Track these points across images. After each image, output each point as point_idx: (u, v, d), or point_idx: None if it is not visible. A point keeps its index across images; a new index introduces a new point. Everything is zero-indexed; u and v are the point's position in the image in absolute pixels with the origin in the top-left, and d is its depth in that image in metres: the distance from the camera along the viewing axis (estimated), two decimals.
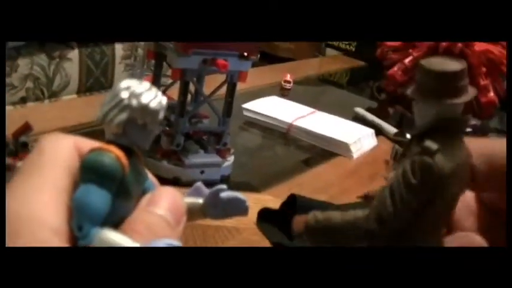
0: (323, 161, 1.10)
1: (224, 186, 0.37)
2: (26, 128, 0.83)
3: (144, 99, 0.31)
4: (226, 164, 0.92)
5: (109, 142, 0.32)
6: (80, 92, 1.48)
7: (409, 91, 0.46)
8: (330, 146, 1.13)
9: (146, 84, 0.32)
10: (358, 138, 1.15)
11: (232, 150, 0.94)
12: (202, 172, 0.89)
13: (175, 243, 0.30)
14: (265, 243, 0.78)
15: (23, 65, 1.36)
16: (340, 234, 0.47)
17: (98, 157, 0.31)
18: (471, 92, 0.45)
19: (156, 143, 0.88)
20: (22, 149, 0.82)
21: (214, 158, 0.90)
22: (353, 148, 1.12)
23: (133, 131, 0.32)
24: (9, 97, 1.32)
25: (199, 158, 0.89)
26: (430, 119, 0.44)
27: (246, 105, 1.21)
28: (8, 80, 1.31)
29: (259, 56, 0.90)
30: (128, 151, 0.32)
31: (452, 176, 0.44)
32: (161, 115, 0.32)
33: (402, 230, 0.45)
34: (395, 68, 1.41)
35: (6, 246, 0.28)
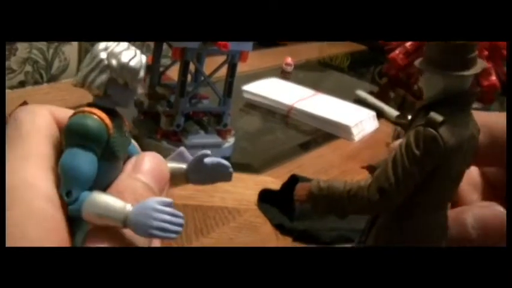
0: (324, 143, 1.09)
1: (208, 152, 0.36)
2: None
3: (124, 58, 0.31)
4: (227, 144, 0.92)
5: (90, 105, 0.31)
6: None
7: (417, 62, 0.45)
8: (331, 128, 1.13)
9: (124, 43, 0.32)
10: (360, 120, 1.15)
11: (233, 132, 0.94)
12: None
13: (164, 199, 0.29)
14: (267, 225, 0.78)
15: (22, 48, 1.35)
16: (342, 203, 0.46)
17: (82, 120, 0.30)
18: (480, 65, 0.44)
19: (156, 123, 0.87)
20: None
21: (215, 139, 0.90)
22: (354, 131, 1.11)
23: (114, 91, 0.31)
24: (7, 81, 1.31)
25: (200, 138, 0.88)
26: (437, 91, 0.44)
27: (246, 87, 1.20)
28: (6, 64, 1.31)
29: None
30: (111, 112, 0.31)
31: (458, 150, 0.43)
32: (141, 73, 0.32)
33: (406, 204, 0.45)
34: (397, 52, 1.40)
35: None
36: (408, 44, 1.38)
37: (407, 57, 1.39)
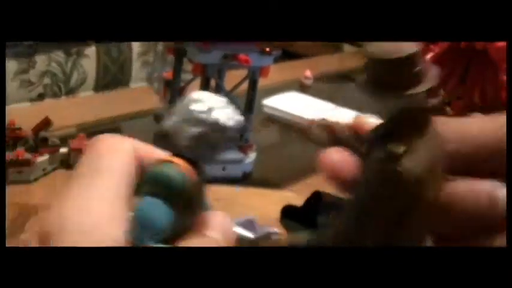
0: None
1: (277, 231, 0.35)
2: (45, 123, 0.82)
3: (220, 116, 0.29)
4: (248, 160, 0.91)
5: (176, 154, 0.30)
6: (97, 88, 1.48)
7: (357, 83, 0.40)
8: None
9: (221, 98, 0.30)
10: None
11: (254, 147, 0.93)
12: (224, 168, 0.87)
13: None
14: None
15: (41, 61, 1.35)
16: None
17: (165, 170, 0.29)
18: (432, 74, 0.38)
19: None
20: (42, 144, 0.81)
21: (236, 155, 0.89)
22: None
23: (202, 146, 0.30)
24: (26, 93, 1.32)
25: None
26: (390, 115, 0.39)
27: (266, 102, 1.20)
28: (25, 77, 1.32)
29: (281, 51, 0.89)
30: (194, 165, 0.30)
31: (426, 176, 0.39)
32: (235, 134, 0.30)
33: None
34: None
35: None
36: (428, 56, 1.37)
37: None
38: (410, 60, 0.37)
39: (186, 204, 0.29)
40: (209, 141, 0.29)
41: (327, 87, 1.52)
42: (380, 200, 0.40)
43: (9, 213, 0.71)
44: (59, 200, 0.29)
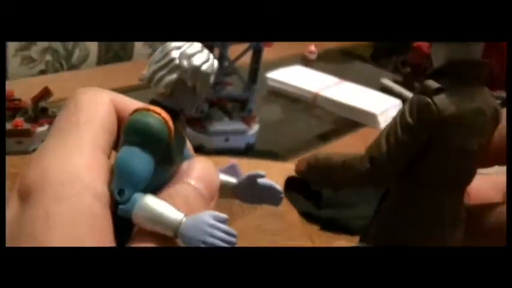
0: (349, 132, 1.07)
1: (263, 173, 0.34)
2: (45, 93, 0.81)
3: (196, 61, 0.29)
4: (251, 131, 0.90)
5: (154, 103, 0.29)
6: (99, 65, 1.47)
7: None
8: (357, 116, 1.11)
9: (197, 44, 0.30)
10: (386, 108, 1.13)
11: (257, 118, 0.92)
12: (226, 139, 0.86)
13: (219, 214, 0.28)
14: (293, 213, 0.76)
15: None
16: (335, 174, 0.44)
17: (145, 119, 0.28)
18: None
19: None
20: (41, 114, 0.80)
21: (239, 125, 0.88)
22: (381, 119, 1.09)
23: (181, 93, 0.29)
24: (28, 70, 1.31)
25: (224, 125, 0.87)
26: (441, 61, 0.41)
27: (270, 75, 1.18)
28: (27, 53, 1.31)
29: None
30: (173, 114, 0.29)
31: (458, 122, 0.40)
32: (212, 79, 0.30)
33: (408, 187, 0.42)
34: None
35: (44, 208, 0.26)
36: None
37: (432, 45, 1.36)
38: None
39: (166, 152, 0.29)
40: (186, 87, 0.29)
41: (329, 63, 1.51)
42: (406, 129, 0.41)
43: (8, 183, 0.70)
44: (38, 153, 0.28)
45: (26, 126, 0.76)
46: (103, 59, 1.47)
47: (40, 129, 0.78)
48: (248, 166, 0.85)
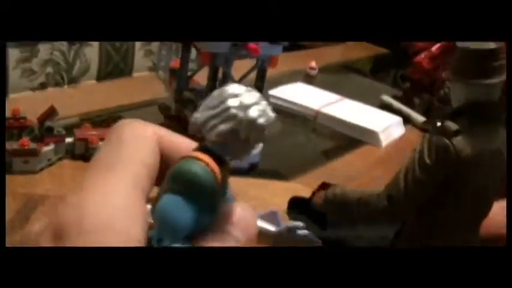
0: (351, 150, 1.08)
1: (301, 224, 0.34)
2: (51, 112, 0.81)
3: (253, 113, 0.28)
4: (255, 151, 0.89)
5: (203, 150, 0.28)
6: (99, 77, 1.47)
7: (444, 73, 0.44)
8: (359, 134, 1.11)
9: (255, 94, 0.29)
10: (387, 126, 1.13)
11: None
12: (230, 160, 0.86)
13: None
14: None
15: (43, 50, 1.34)
16: (353, 210, 0.45)
17: (193, 168, 0.27)
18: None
19: (183, 128, 0.86)
20: (47, 133, 0.80)
21: None
22: (382, 136, 1.10)
23: (233, 143, 0.28)
24: (28, 82, 1.31)
25: None
26: (460, 100, 0.42)
27: (272, 92, 1.19)
28: (27, 66, 1.30)
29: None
30: (221, 161, 0.28)
31: (476, 162, 0.41)
32: (267, 132, 0.29)
33: (427, 223, 0.43)
34: (422, 55, 1.38)
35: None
36: (434, 48, 1.36)
37: (432, 61, 1.36)
38: (486, 54, 0.40)
39: (211, 202, 0.28)
40: (239, 137, 0.28)
41: (330, 78, 1.51)
42: (424, 169, 0.41)
43: (15, 203, 0.70)
44: (76, 190, 0.27)
45: (32, 145, 0.76)
46: (103, 71, 1.47)
47: (46, 148, 0.78)
48: (253, 186, 0.85)
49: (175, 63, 0.92)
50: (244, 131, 0.28)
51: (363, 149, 1.08)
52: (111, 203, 0.27)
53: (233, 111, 0.28)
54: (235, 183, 0.83)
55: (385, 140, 1.10)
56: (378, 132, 1.09)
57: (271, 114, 0.29)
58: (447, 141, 0.40)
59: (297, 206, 0.81)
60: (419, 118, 1.22)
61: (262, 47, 0.82)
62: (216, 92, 0.29)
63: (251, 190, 0.83)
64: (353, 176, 0.95)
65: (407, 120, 1.23)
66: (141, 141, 0.30)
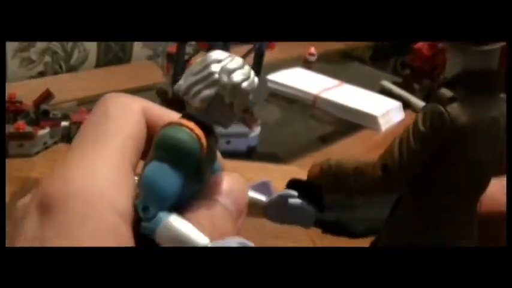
0: (350, 134, 1.07)
1: (294, 193, 0.33)
2: (46, 96, 0.81)
3: (237, 77, 0.28)
4: (253, 134, 0.90)
5: (187, 117, 0.28)
6: (98, 66, 1.47)
7: (441, 44, 0.43)
8: (358, 118, 1.10)
9: (239, 59, 0.28)
10: (387, 111, 1.12)
11: (259, 121, 0.92)
12: (228, 142, 0.86)
13: (246, 242, 0.27)
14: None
15: None
16: (347, 180, 0.44)
17: (177, 134, 0.27)
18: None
19: (180, 112, 0.86)
20: (43, 117, 0.79)
21: (241, 128, 0.88)
22: (381, 121, 1.09)
23: (217, 109, 0.28)
24: (27, 71, 1.31)
25: None
26: (457, 68, 0.41)
27: (270, 77, 1.18)
28: (25, 55, 1.30)
29: None
30: (206, 129, 0.28)
31: (473, 131, 0.40)
32: (251, 97, 0.28)
33: (421, 190, 0.42)
34: (422, 42, 1.37)
35: (67, 228, 0.25)
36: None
37: (432, 47, 1.36)
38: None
39: (197, 169, 0.28)
40: (223, 103, 0.28)
41: (330, 65, 1.51)
42: (419, 137, 0.41)
43: (10, 187, 0.69)
44: (62, 163, 0.27)
45: (28, 129, 0.76)
46: (102, 61, 1.47)
47: (42, 131, 0.78)
48: (250, 169, 0.85)
49: (172, 48, 0.92)
50: (228, 96, 0.28)
51: (362, 133, 1.08)
52: (97, 175, 0.26)
53: (216, 76, 0.27)
54: (232, 165, 0.83)
55: (385, 124, 1.10)
56: (377, 117, 1.09)
57: (255, 79, 0.28)
58: (442, 108, 0.39)
59: (295, 188, 0.81)
60: (419, 103, 1.22)
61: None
62: (199, 59, 0.28)
63: (248, 173, 0.82)
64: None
65: (407, 105, 1.22)
66: (127, 114, 0.29)
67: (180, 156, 0.27)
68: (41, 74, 1.34)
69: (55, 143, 0.81)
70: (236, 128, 0.87)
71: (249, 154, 0.90)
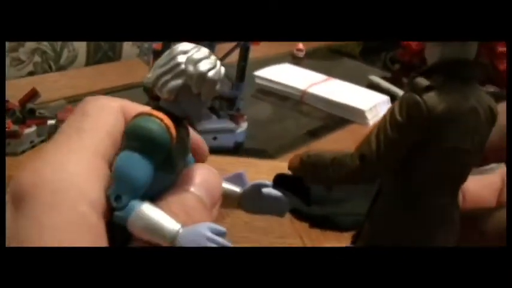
0: (338, 128, 1.08)
1: (268, 183, 0.34)
2: (32, 95, 0.81)
3: (203, 67, 0.28)
4: (240, 130, 0.90)
5: (158, 108, 0.29)
6: (88, 66, 1.47)
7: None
8: (345, 113, 1.11)
9: (205, 50, 0.29)
10: (374, 105, 1.13)
11: (245, 116, 0.92)
12: (215, 138, 0.86)
13: (217, 227, 0.27)
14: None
15: None
16: (326, 171, 0.44)
17: (146, 124, 0.28)
18: None
19: None
20: (29, 115, 0.80)
21: (228, 124, 0.88)
22: (369, 115, 1.10)
23: (185, 99, 0.28)
24: (16, 72, 1.30)
25: (212, 123, 0.87)
26: (434, 58, 0.41)
27: (258, 73, 1.18)
28: (15, 55, 1.30)
29: None
30: (177, 120, 0.29)
31: (450, 120, 0.40)
32: (218, 86, 0.29)
33: (403, 187, 0.42)
34: None
35: (37, 217, 0.25)
36: None
37: (421, 42, 1.36)
38: None
39: (167, 159, 0.28)
40: (191, 93, 0.28)
41: (318, 61, 1.51)
42: (396, 127, 0.41)
43: None
44: (34, 156, 0.28)
45: (14, 127, 0.76)
46: (92, 60, 1.47)
47: (28, 130, 0.78)
48: (237, 164, 0.85)
49: (157, 45, 0.92)
50: (195, 86, 0.28)
51: (350, 128, 1.08)
52: (68, 167, 0.27)
53: (183, 66, 0.28)
54: (219, 161, 0.83)
55: (372, 118, 1.10)
56: (364, 111, 1.09)
57: (222, 68, 0.29)
58: (418, 97, 0.39)
59: (282, 183, 0.81)
60: None
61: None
62: (166, 51, 0.29)
63: (236, 168, 0.83)
64: None
65: (395, 99, 1.22)
66: (105, 112, 0.30)
67: (150, 146, 0.27)
68: (31, 74, 1.34)
69: (42, 141, 0.81)
70: (223, 123, 0.88)
71: (236, 150, 0.90)
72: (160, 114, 0.28)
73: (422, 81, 0.40)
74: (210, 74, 0.28)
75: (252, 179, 0.83)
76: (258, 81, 1.18)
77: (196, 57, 0.28)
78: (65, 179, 0.26)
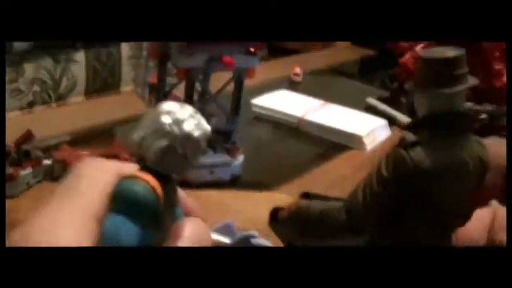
0: (336, 155, 1.07)
1: (255, 233, 0.34)
2: (27, 136, 0.81)
3: (187, 127, 0.28)
4: (236, 163, 0.90)
5: (144, 168, 0.29)
6: (87, 93, 1.47)
7: (407, 84, 0.43)
8: (343, 139, 1.11)
9: (189, 109, 0.29)
10: (371, 130, 1.13)
11: (241, 149, 0.92)
12: (211, 172, 0.86)
13: None
14: (279, 245, 0.76)
15: (29, 69, 1.35)
16: (313, 224, 0.44)
17: (131, 186, 0.28)
18: (471, 81, 0.41)
19: None
20: (25, 157, 0.80)
21: (224, 158, 0.88)
22: (366, 140, 1.10)
23: (171, 159, 0.29)
24: (16, 102, 1.31)
25: (208, 157, 0.86)
26: (424, 111, 0.41)
27: (255, 101, 1.19)
28: (14, 86, 1.31)
29: (267, 50, 0.88)
30: (164, 178, 0.29)
31: (438, 174, 0.39)
32: (203, 145, 0.29)
33: (388, 238, 0.42)
34: (407, 56, 1.37)
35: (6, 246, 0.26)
36: (418, 47, 1.36)
37: (417, 61, 1.36)
38: (447, 63, 0.39)
39: (155, 220, 0.29)
40: (177, 153, 0.29)
41: (317, 83, 1.51)
42: (381, 182, 0.40)
43: None
44: (29, 218, 0.28)
45: (9, 170, 0.76)
46: (91, 87, 1.47)
47: (23, 172, 0.78)
48: (235, 198, 0.85)
49: (153, 78, 0.93)
50: (180, 146, 0.28)
51: (348, 154, 1.08)
52: (58, 231, 0.27)
53: (167, 127, 0.28)
54: (218, 195, 0.83)
55: (370, 143, 1.10)
56: (362, 136, 1.09)
57: (206, 126, 0.29)
58: (404, 152, 0.39)
59: (277, 218, 0.81)
60: (405, 119, 1.22)
61: (238, 60, 0.82)
62: (149, 111, 0.29)
63: (233, 203, 0.83)
64: (337, 182, 0.95)
65: (393, 121, 1.22)
66: (100, 174, 0.30)
67: (136, 208, 0.28)
68: (30, 104, 1.35)
69: (38, 182, 0.81)
70: (219, 157, 0.88)
71: (233, 183, 0.90)
72: (147, 176, 0.28)
73: (409, 137, 0.40)
74: (195, 133, 0.29)
75: (252, 212, 0.83)
76: (255, 109, 1.18)
77: (180, 117, 0.28)
78: (53, 243, 0.26)
